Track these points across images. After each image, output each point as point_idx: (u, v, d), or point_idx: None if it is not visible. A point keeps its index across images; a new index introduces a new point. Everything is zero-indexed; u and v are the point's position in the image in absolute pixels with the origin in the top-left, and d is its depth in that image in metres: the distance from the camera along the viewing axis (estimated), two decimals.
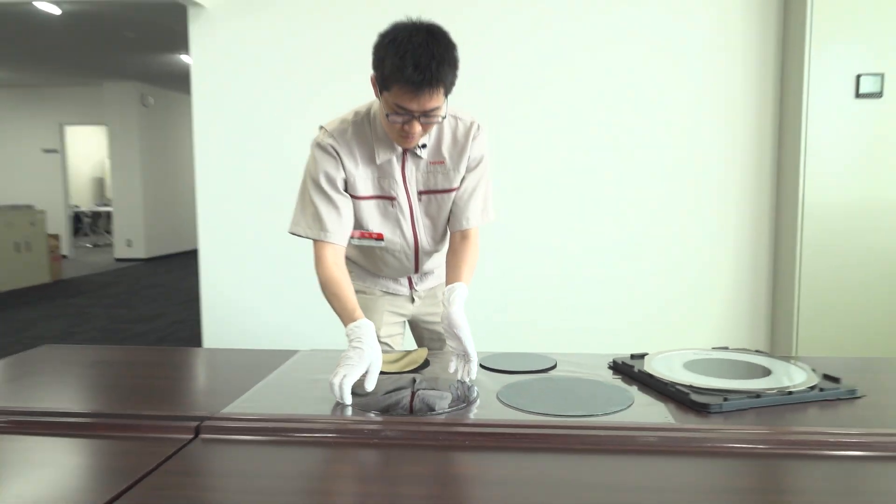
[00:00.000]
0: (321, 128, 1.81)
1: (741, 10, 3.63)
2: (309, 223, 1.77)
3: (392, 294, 2.05)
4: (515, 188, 3.77)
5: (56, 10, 6.40)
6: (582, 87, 3.74)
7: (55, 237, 9.00)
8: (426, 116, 1.60)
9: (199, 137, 3.92)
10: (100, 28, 7.16)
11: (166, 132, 11.47)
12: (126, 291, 8.24)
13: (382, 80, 1.58)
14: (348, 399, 1.43)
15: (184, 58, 8.65)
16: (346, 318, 1.63)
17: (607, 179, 3.77)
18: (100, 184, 15.25)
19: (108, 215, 13.44)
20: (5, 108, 11.59)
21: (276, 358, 1.84)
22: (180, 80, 10.43)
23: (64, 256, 10.37)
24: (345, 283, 1.70)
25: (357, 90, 3.47)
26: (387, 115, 1.62)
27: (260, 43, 3.83)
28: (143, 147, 10.75)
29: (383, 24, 1.60)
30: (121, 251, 10.98)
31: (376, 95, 1.67)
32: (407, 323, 2.14)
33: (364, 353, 1.48)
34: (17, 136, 11.60)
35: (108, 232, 13.64)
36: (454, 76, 1.59)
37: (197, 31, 3.79)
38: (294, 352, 1.91)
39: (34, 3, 5.82)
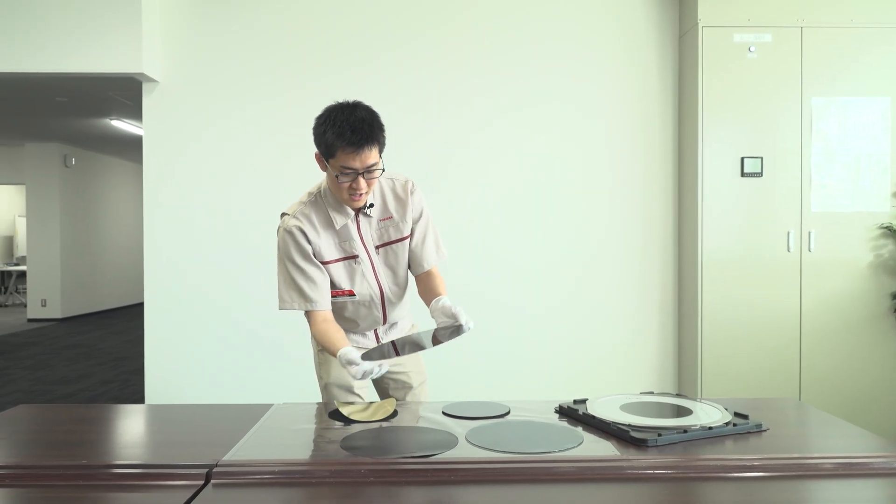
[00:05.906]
0: (283, 214, 2.09)
1: (642, 114, 4.17)
2: (294, 298, 2.04)
3: (360, 349, 2.26)
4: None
5: None
6: (514, 169, 4.16)
7: None
8: (368, 172, 1.92)
9: (148, 198, 4.09)
10: (31, 93, 7.05)
11: (88, 192, 11.31)
12: (45, 352, 8.00)
13: (326, 150, 1.90)
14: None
15: (114, 122, 8.60)
16: (334, 350, 1.96)
17: (533, 249, 4.15)
18: (9, 242, 14.74)
19: (18, 275, 12.98)
20: None
21: (252, 411, 1.98)
22: (104, 142, 10.32)
23: None
24: (331, 332, 2.00)
25: (294, 154, 3.76)
26: (336, 178, 1.91)
27: (207, 112, 4.05)
28: (63, 206, 10.56)
29: (318, 97, 2.00)
30: (34, 311, 10.58)
31: (322, 169, 1.98)
32: None
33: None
34: None
35: (18, 291, 13.15)
36: (384, 136, 1.93)
37: (150, 102, 4.01)
38: (267, 405, 2.07)
39: None
